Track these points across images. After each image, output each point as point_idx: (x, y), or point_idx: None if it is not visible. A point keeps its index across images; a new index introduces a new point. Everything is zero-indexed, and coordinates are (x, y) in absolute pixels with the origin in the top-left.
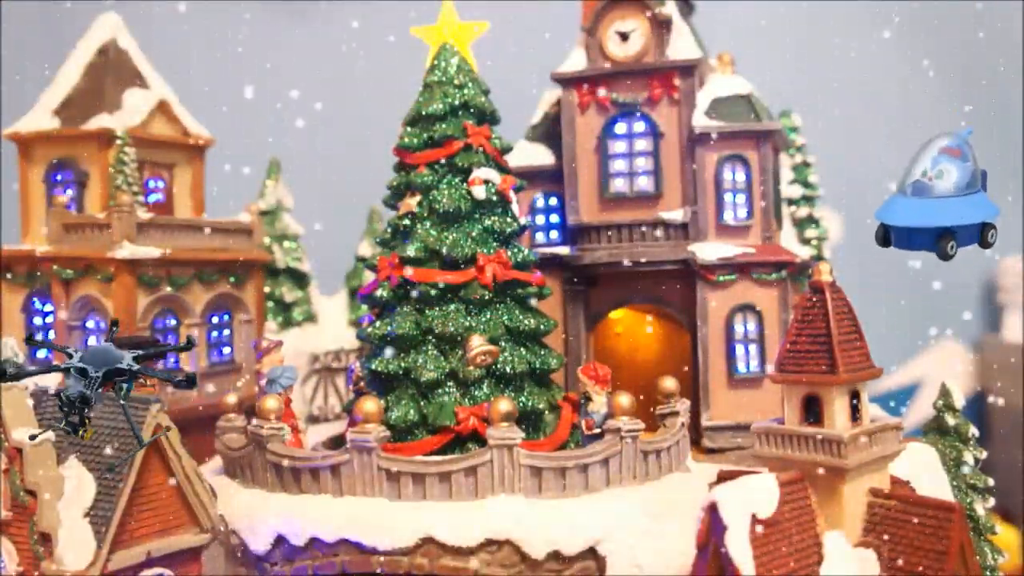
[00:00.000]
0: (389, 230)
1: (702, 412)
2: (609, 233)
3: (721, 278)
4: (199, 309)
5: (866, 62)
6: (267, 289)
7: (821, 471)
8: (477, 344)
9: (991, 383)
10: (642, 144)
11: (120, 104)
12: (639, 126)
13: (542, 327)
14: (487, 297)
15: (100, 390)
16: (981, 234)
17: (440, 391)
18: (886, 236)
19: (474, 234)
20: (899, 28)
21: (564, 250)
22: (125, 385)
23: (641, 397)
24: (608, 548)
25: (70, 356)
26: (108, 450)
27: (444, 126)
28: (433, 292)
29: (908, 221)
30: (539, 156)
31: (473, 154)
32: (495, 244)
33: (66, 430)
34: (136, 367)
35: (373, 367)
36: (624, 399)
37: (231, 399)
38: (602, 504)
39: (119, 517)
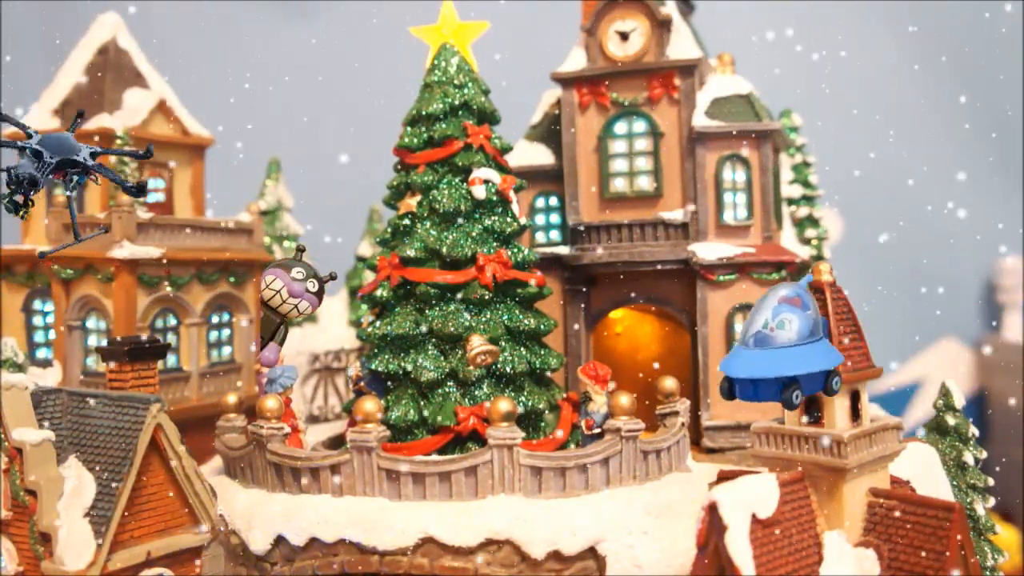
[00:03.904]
0: (389, 230)
1: (702, 412)
2: (609, 233)
3: (721, 278)
4: (199, 309)
5: (866, 62)
6: None
7: (821, 471)
8: (477, 344)
9: (991, 383)
10: (642, 144)
11: (120, 104)
12: (639, 126)
13: (542, 327)
14: (487, 297)
15: (51, 176)
16: (825, 381)
17: (440, 391)
18: (731, 388)
19: (474, 234)
20: (899, 28)
21: (564, 250)
22: (76, 178)
23: (644, 395)
24: (608, 548)
25: (30, 136)
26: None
27: (444, 126)
28: (433, 292)
29: (752, 372)
30: (539, 156)
31: (473, 154)
32: (495, 244)
33: (7, 208)
34: (91, 163)
35: (373, 367)
36: (624, 399)
37: (231, 399)
38: (602, 504)
39: (119, 517)
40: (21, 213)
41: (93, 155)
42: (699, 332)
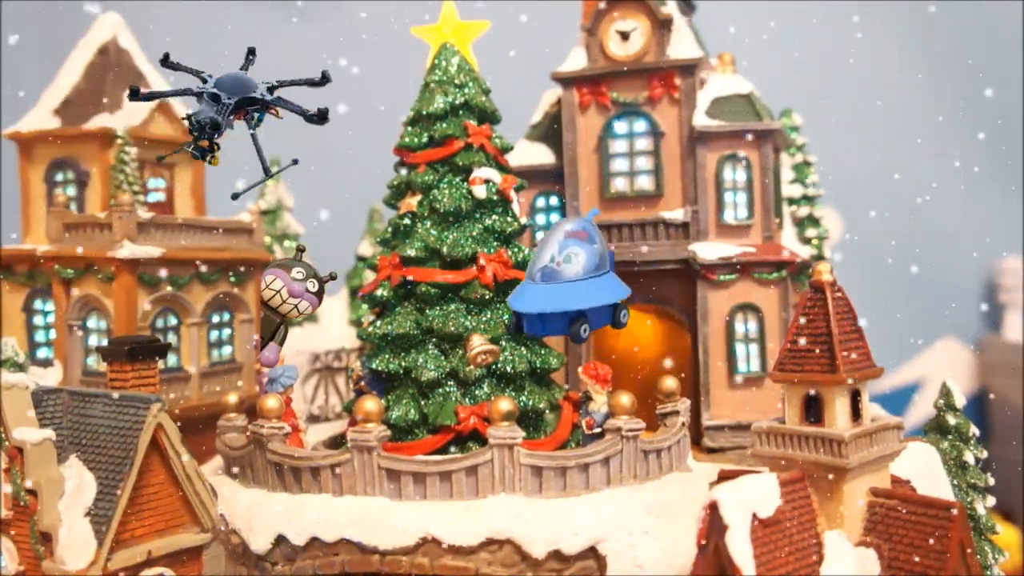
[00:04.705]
0: (390, 229)
1: (703, 411)
2: (610, 232)
3: (722, 277)
4: (200, 308)
5: (866, 61)
6: None
7: (822, 471)
8: (478, 343)
9: (992, 382)
10: (642, 143)
11: (121, 104)
12: (640, 125)
13: None
14: (488, 296)
15: (231, 117)
16: (613, 314)
17: (441, 390)
18: (519, 323)
19: (475, 233)
20: (900, 27)
21: None
22: (256, 115)
23: (644, 395)
24: (609, 547)
25: (204, 81)
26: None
27: (445, 125)
28: (434, 291)
29: (539, 307)
30: (540, 155)
31: (474, 153)
32: (496, 243)
33: (194, 155)
34: (269, 97)
35: (374, 366)
36: (625, 398)
37: (232, 398)
38: (603, 503)
39: (119, 516)
40: (208, 158)
41: (270, 89)
42: (699, 332)
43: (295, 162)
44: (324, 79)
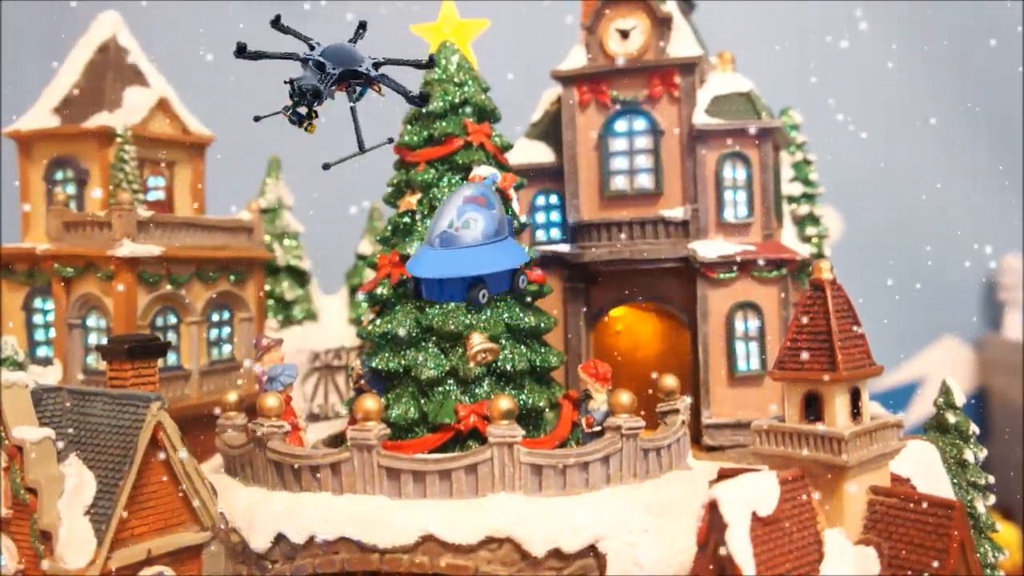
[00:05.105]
0: (390, 228)
1: (703, 410)
2: (609, 231)
3: (722, 276)
4: (199, 307)
5: (867, 60)
6: (267, 287)
7: (822, 469)
8: (477, 342)
9: (992, 381)
10: (642, 142)
11: (120, 102)
12: (639, 124)
13: (542, 325)
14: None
15: (333, 88)
16: (512, 279)
17: (440, 389)
18: (417, 289)
19: None
20: (901, 27)
21: (564, 248)
22: (359, 88)
23: (644, 393)
24: (608, 546)
25: (312, 48)
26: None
27: (444, 124)
28: None
29: (438, 272)
30: (539, 154)
31: (473, 152)
32: None
33: (291, 120)
34: (374, 73)
35: (373, 365)
36: (624, 397)
37: (231, 397)
38: (602, 502)
39: (119, 515)
40: (305, 125)
41: (376, 65)
42: (699, 330)
43: (390, 140)
44: (431, 62)
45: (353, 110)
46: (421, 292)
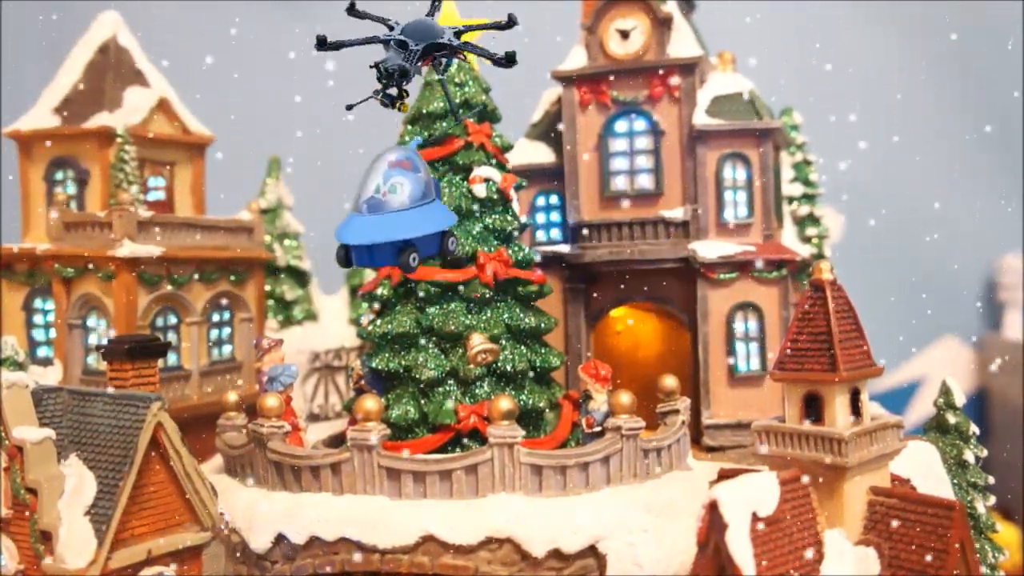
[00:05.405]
0: None
1: (703, 410)
2: (610, 231)
3: (722, 276)
4: (200, 307)
5: (867, 60)
6: (268, 287)
7: (822, 469)
8: (478, 342)
9: (992, 381)
10: (643, 142)
11: (120, 102)
12: (640, 124)
13: (543, 325)
14: (488, 295)
15: (419, 64)
16: (441, 242)
17: (441, 389)
18: (347, 256)
19: (475, 232)
20: (900, 27)
21: (565, 248)
22: (445, 61)
23: (644, 394)
24: (608, 546)
25: (391, 28)
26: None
27: (445, 124)
28: (434, 290)
29: (367, 239)
30: (540, 154)
31: (474, 152)
32: (496, 242)
33: (383, 102)
34: (456, 42)
35: (374, 365)
36: (624, 397)
37: (232, 397)
38: (603, 502)
39: (119, 515)
40: (397, 105)
41: (457, 34)
42: (699, 330)
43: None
44: (511, 22)
45: (442, 81)
46: (351, 260)
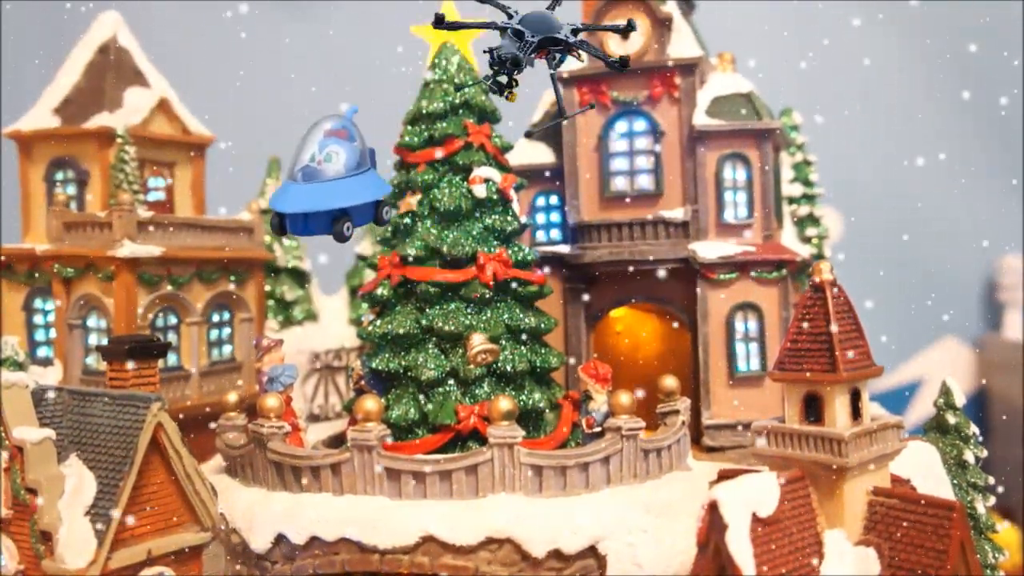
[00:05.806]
0: (390, 229)
1: (703, 411)
2: (609, 232)
3: (722, 276)
4: (200, 307)
5: (867, 60)
6: (268, 288)
7: (822, 470)
8: (478, 342)
9: (992, 381)
10: (643, 143)
11: (121, 103)
12: (640, 125)
13: (543, 326)
14: (488, 296)
15: (533, 56)
16: (376, 211)
17: (441, 389)
18: (282, 224)
19: (475, 233)
20: (901, 26)
21: (564, 249)
22: (559, 55)
23: (642, 395)
24: (608, 547)
25: (510, 17)
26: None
27: (445, 125)
28: (434, 291)
29: (302, 207)
30: (539, 155)
31: (474, 153)
32: (496, 243)
33: (492, 89)
34: (573, 40)
35: (374, 365)
36: (624, 398)
37: (232, 397)
38: (603, 503)
39: (119, 516)
40: (506, 94)
41: (574, 32)
42: (699, 331)
43: (591, 106)
44: (629, 27)
45: (553, 76)
46: (286, 228)
